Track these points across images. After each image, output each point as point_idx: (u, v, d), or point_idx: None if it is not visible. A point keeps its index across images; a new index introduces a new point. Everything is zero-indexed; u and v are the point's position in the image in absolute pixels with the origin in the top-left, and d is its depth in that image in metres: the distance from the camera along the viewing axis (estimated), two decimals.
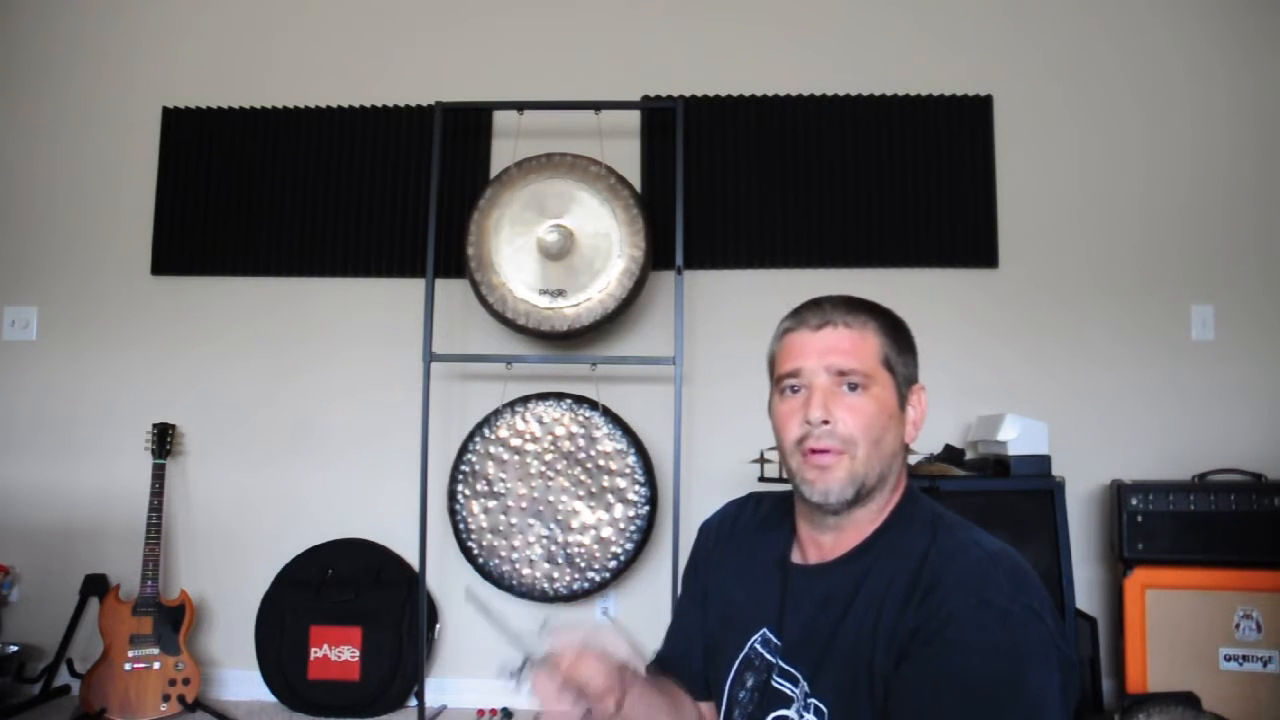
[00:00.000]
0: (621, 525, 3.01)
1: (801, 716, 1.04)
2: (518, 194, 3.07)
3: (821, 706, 1.02)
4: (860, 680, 0.99)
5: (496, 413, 3.06)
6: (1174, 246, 3.25)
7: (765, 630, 1.13)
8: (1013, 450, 2.79)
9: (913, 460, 2.78)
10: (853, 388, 1.07)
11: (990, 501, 2.74)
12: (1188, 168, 3.27)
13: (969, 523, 1.09)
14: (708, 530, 1.31)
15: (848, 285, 3.00)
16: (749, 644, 1.14)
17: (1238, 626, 2.69)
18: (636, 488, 3.01)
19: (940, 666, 0.93)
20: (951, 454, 2.93)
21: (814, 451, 1.06)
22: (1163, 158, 3.28)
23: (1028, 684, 0.91)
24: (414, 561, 3.10)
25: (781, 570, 1.16)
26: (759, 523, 1.24)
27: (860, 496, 1.07)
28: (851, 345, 1.08)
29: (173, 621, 3.03)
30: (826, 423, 1.06)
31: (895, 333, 1.13)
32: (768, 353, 1.17)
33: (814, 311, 1.12)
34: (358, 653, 3.07)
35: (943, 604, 0.96)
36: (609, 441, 3.03)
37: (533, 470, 3.04)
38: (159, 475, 3.13)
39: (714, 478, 3.19)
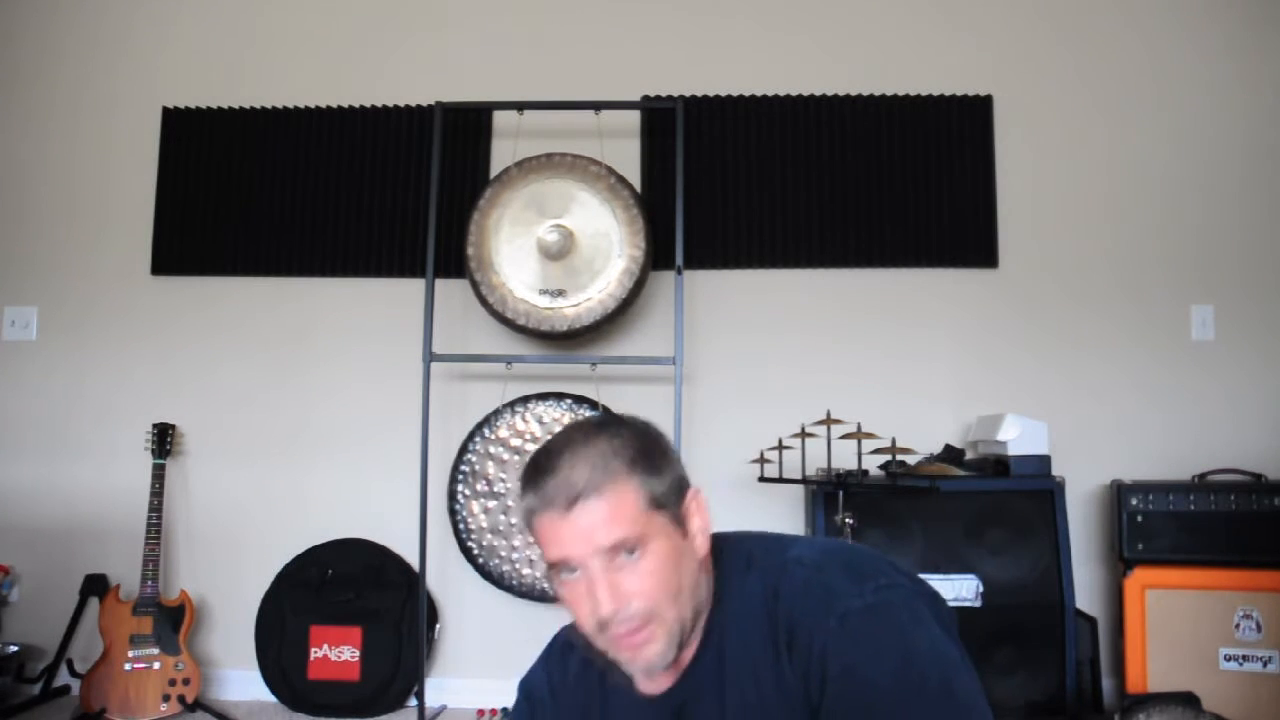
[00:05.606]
0: None
1: None
2: (518, 194, 3.07)
3: None
4: None
5: (496, 413, 3.06)
6: (1174, 246, 3.24)
7: None
8: (1013, 450, 2.79)
9: (913, 460, 2.77)
10: (630, 552, 0.97)
11: (990, 501, 2.75)
12: (1188, 167, 3.27)
13: (777, 540, 1.06)
14: (539, 691, 1.18)
15: (848, 285, 2.98)
16: None
17: (1238, 626, 2.69)
18: None
19: (853, 697, 0.91)
20: (951, 454, 2.93)
21: (620, 635, 0.99)
22: (1162, 157, 3.27)
23: (923, 652, 0.92)
24: (414, 561, 3.10)
25: (649, 706, 1.07)
26: (583, 667, 1.13)
27: (685, 642, 1.02)
28: (610, 514, 0.96)
29: (173, 621, 3.03)
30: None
31: (643, 457, 1.00)
32: (522, 513, 1.04)
33: (554, 483, 0.98)
34: (358, 653, 3.07)
35: (811, 642, 0.93)
36: None
37: None
38: (159, 475, 3.13)
39: (714, 478, 3.18)
